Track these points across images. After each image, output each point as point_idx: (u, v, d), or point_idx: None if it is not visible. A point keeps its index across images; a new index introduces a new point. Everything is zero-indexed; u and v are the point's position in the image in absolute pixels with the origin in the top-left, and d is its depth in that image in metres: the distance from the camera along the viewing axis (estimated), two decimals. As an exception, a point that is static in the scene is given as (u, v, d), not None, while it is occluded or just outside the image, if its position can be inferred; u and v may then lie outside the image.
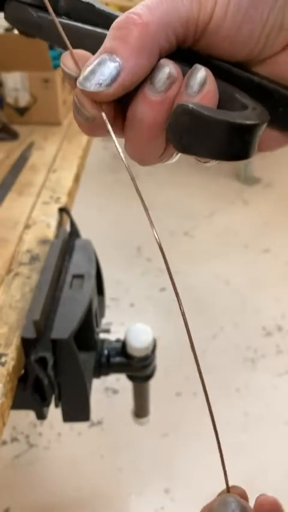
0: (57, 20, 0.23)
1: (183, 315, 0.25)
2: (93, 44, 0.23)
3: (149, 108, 0.22)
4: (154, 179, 2.66)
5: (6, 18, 0.26)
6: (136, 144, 0.23)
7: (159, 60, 0.22)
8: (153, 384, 0.89)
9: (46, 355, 0.51)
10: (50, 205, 0.80)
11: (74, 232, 0.70)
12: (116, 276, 1.72)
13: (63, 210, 0.78)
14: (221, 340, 1.58)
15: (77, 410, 0.59)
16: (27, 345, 0.52)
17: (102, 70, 0.21)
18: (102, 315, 0.75)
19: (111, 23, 0.22)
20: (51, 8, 0.23)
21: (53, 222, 0.75)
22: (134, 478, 1.19)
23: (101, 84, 0.21)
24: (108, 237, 1.93)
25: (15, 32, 1.13)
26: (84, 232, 0.78)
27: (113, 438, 1.32)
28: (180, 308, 0.25)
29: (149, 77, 0.22)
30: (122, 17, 0.21)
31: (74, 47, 0.23)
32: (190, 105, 0.20)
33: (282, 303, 1.74)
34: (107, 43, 0.21)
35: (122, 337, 0.68)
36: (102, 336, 0.68)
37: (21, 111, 1.10)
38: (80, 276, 0.61)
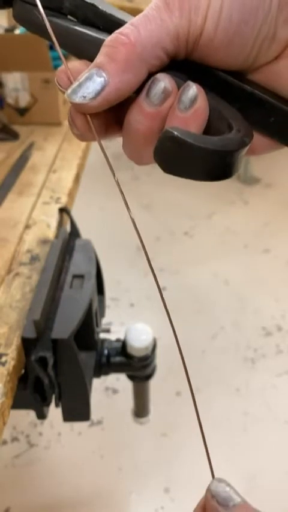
0: (48, 24, 0.24)
1: (165, 306, 0.27)
2: (90, 49, 0.24)
3: (144, 119, 0.23)
4: (154, 179, 2.66)
5: (14, 17, 0.27)
6: (133, 147, 0.25)
7: (154, 73, 0.23)
8: (153, 384, 0.89)
9: (46, 355, 0.51)
10: (50, 205, 0.80)
11: (74, 232, 0.70)
12: (116, 275, 1.72)
13: (64, 210, 0.78)
14: (221, 340, 1.58)
15: (77, 410, 0.59)
16: (27, 345, 0.52)
17: (88, 84, 0.22)
18: (102, 314, 0.75)
19: (113, 25, 0.24)
20: (53, 9, 0.25)
21: (53, 222, 0.75)
22: (134, 477, 1.19)
23: (85, 97, 0.22)
24: (108, 237, 1.93)
25: (16, 32, 1.13)
26: (85, 232, 0.79)
27: (113, 438, 1.32)
28: (162, 299, 0.26)
29: (145, 88, 0.23)
30: (112, 36, 0.22)
31: (73, 50, 0.25)
32: (175, 132, 0.21)
33: (282, 303, 1.74)
34: (97, 59, 0.23)
35: (122, 337, 0.68)
36: (102, 335, 0.68)
37: (22, 111, 1.10)
38: (80, 276, 0.61)
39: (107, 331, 0.69)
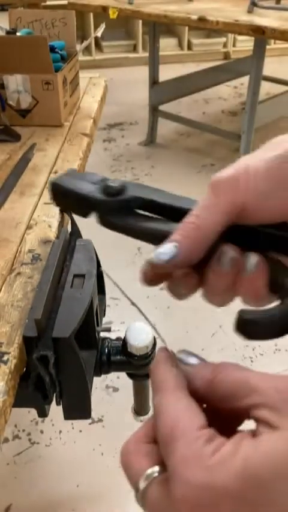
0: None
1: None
2: (155, 240, 0.33)
3: (219, 277, 0.31)
4: (154, 179, 2.67)
5: (99, 223, 0.37)
6: (212, 297, 0.32)
7: (220, 243, 0.30)
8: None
9: (47, 354, 0.51)
10: (51, 205, 0.80)
11: (75, 233, 0.70)
12: (116, 275, 1.72)
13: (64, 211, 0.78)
14: (219, 338, 1.59)
15: (78, 408, 0.59)
16: (28, 344, 0.53)
17: (165, 251, 0.30)
18: (103, 314, 0.76)
19: (173, 211, 0.34)
20: (123, 209, 0.35)
21: (55, 223, 0.76)
22: (134, 475, 1.19)
23: (161, 259, 0.30)
24: (109, 237, 1.93)
25: (17, 34, 1.14)
26: (85, 233, 0.79)
27: (114, 435, 1.33)
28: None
29: (216, 256, 0.31)
30: (183, 223, 0.30)
31: (146, 240, 0.35)
32: (245, 316, 0.28)
33: (281, 302, 1.74)
34: (174, 235, 0.30)
35: (122, 335, 0.68)
36: (103, 334, 0.69)
37: (23, 113, 1.11)
38: (81, 276, 0.61)
39: (108, 330, 0.69)
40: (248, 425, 0.25)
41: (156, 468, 0.25)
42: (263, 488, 0.21)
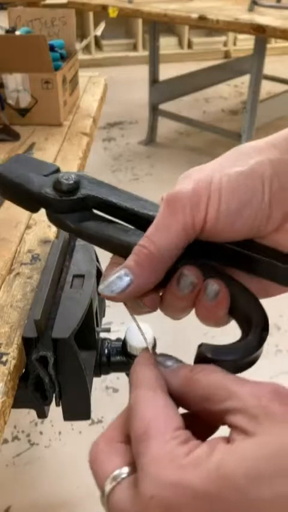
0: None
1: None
2: (111, 247, 0.31)
3: (177, 301, 0.29)
4: (154, 179, 2.67)
5: (49, 220, 0.33)
6: (170, 315, 0.31)
7: (180, 262, 0.29)
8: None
9: (47, 354, 0.51)
10: (50, 205, 0.80)
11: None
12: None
13: (64, 211, 0.78)
14: (220, 340, 1.59)
15: (78, 409, 0.59)
16: (28, 344, 0.52)
17: (116, 282, 0.28)
18: (102, 314, 0.75)
19: (130, 215, 0.31)
20: (80, 209, 0.32)
21: (54, 223, 0.76)
22: (134, 476, 1.19)
23: (113, 291, 0.28)
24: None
25: (17, 33, 1.14)
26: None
27: (114, 437, 1.32)
28: None
29: (174, 279, 0.29)
30: (136, 247, 0.28)
31: (100, 246, 0.32)
32: (207, 354, 0.27)
33: (280, 302, 1.74)
34: (126, 262, 0.28)
35: (122, 336, 0.68)
36: (102, 335, 0.68)
37: (22, 112, 1.10)
38: (80, 276, 0.61)
39: (107, 330, 0.69)
40: (224, 431, 0.24)
41: (125, 469, 0.23)
42: (237, 491, 0.20)
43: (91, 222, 0.31)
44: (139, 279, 0.28)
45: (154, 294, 0.30)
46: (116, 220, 0.32)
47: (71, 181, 0.32)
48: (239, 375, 0.26)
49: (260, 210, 0.27)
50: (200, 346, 0.27)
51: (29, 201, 0.33)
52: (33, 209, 0.34)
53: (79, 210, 0.32)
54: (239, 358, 0.27)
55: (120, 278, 0.28)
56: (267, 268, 0.29)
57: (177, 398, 0.26)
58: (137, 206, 0.31)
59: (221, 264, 0.30)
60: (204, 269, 0.29)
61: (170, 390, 0.26)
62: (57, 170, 0.35)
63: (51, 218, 0.33)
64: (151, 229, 0.28)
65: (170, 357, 0.28)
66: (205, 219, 0.27)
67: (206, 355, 0.26)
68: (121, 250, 0.30)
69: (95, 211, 0.32)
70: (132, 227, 0.31)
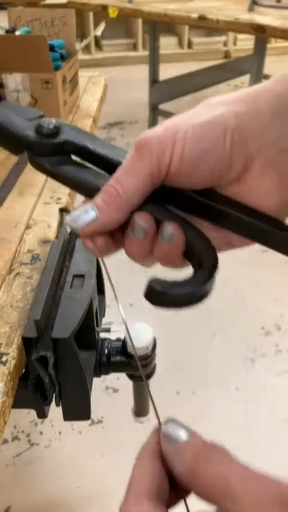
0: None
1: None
2: (84, 190, 0.32)
3: (135, 246, 0.31)
4: (154, 179, 2.66)
5: (30, 163, 0.34)
6: (133, 259, 0.32)
7: (138, 210, 0.30)
8: (153, 383, 0.89)
9: (47, 354, 0.51)
10: (50, 205, 0.80)
11: (75, 233, 0.70)
12: (116, 275, 1.72)
13: (64, 210, 0.78)
14: (220, 339, 1.59)
15: (78, 409, 0.59)
16: (28, 344, 0.52)
17: (82, 215, 0.30)
18: (102, 314, 0.75)
19: (104, 161, 0.32)
20: (57, 153, 0.33)
21: (54, 222, 0.76)
22: (134, 476, 1.19)
23: (77, 223, 0.30)
24: (109, 236, 1.93)
25: (17, 33, 1.14)
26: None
27: (114, 437, 1.33)
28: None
29: (130, 225, 0.30)
30: (105, 187, 0.30)
31: (73, 188, 0.33)
32: (154, 286, 0.28)
33: (281, 302, 1.74)
34: (95, 199, 0.30)
35: (122, 336, 0.68)
36: (102, 335, 0.68)
37: (22, 112, 1.10)
38: (80, 276, 0.61)
39: (107, 330, 0.69)
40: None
41: None
42: None
43: (68, 166, 0.33)
44: (103, 217, 0.29)
45: (110, 237, 0.31)
46: (92, 166, 0.33)
47: (52, 126, 0.33)
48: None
49: (221, 158, 0.29)
50: (151, 280, 0.28)
51: (12, 143, 0.35)
52: (16, 151, 0.35)
53: (58, 154, 0.33)
54: (188, 292, 0.28)
55: (86, 212, 0.30)
56: (227, 222, 0.31)
57: (182, 483, 0.26)
58: (111, 154, 0.33)
59: (186, 213, 0.32)
60: (162, 214, 0.30)
61: (175, 474, 0.26)
62: (42, 116, 0.36)
63: (32, 161, 0.34)
64: (120, 171, 0.30)
65: (179, 426, 0.27)
66: (169, 165, 0.29)
67: (155, 289, 0.28)
68: (94, 194, 0.31)
69: (73, 157, 0.34)
70: (107, 173, 0.33)
